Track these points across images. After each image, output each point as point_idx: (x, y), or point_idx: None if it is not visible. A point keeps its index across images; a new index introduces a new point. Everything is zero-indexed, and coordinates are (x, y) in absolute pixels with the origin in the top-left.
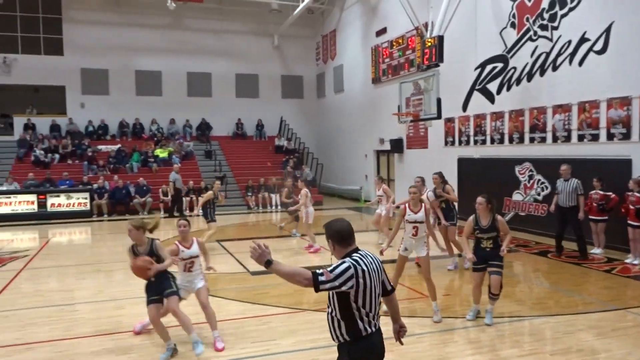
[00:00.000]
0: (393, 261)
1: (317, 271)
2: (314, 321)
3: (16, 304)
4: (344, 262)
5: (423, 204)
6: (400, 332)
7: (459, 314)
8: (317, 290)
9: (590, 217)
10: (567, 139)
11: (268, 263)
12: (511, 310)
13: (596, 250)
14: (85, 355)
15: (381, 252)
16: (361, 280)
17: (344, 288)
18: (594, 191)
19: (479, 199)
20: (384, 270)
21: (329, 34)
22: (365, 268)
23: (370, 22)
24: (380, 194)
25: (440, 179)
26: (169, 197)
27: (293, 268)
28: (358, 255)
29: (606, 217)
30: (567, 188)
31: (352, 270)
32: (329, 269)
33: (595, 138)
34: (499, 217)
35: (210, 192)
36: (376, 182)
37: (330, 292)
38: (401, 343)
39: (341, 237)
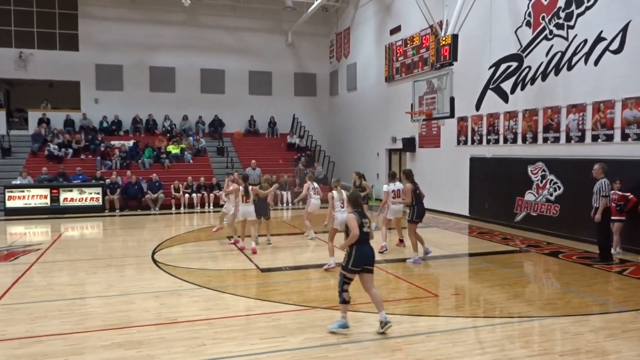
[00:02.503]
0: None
1: None
2: (323, 319)
3: (27, 297)
4: None
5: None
6: None
7: (468, 314)
8: None
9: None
10: (581, 139)
11: None
12: (520, 311)
13: (611, 251)
14: (95, 349)
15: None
16: None
17: None
18: (612, 191)
19: None
20: None
21: (343, 32)
22: None
23: (384, 20)
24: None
25: (357, 176)
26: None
27: None
28: None
29: (623, 218)
30: (594, 188)
31: None
32: None
33: (609, 138)
34: None
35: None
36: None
37: None
38: None
39: None
